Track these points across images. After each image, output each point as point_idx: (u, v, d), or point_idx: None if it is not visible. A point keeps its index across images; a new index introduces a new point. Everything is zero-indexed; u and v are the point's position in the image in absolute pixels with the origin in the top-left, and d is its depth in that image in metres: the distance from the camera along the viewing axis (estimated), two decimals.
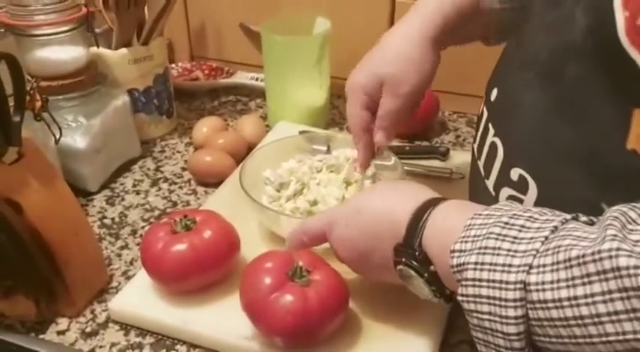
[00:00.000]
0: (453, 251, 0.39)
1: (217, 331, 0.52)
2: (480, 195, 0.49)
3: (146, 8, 0.78)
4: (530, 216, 0.37)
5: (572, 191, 0.40)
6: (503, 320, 0.36)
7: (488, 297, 0.36)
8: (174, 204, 0.71)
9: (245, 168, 0.64)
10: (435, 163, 0.74)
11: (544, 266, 0.34)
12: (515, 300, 0.35)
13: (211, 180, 0.74)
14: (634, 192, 0.36)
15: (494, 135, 0.47)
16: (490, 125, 0.48)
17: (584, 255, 0.32)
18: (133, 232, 0.67)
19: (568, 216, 0.37)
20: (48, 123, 0.63)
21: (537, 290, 0.34)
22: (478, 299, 0.37)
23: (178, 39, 1.00)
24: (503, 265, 0.36)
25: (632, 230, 0.32)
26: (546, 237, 0.35)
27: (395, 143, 0.78)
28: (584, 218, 0.37)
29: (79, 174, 0.70)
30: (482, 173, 0.49)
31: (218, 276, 0.55)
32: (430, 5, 0.56)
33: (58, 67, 0.69)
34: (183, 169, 0.77)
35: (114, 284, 0.60)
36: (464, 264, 0.38)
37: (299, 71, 0.81)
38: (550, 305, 0.34)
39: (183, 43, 1.00)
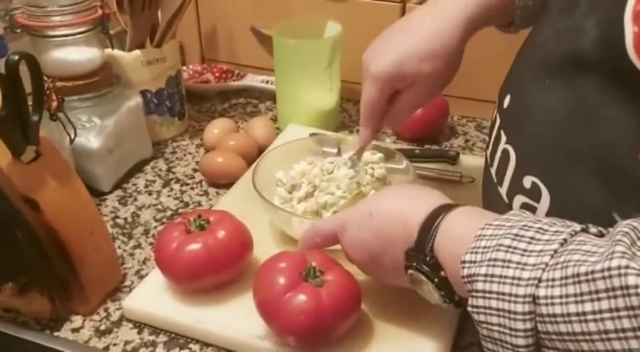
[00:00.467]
0: (464, 261, 0.39)
1: (230, 330, 0.52)
2: (493, 202, 0.49)
3: (159, 11, 0.79)
4: (540, 228, 0.38)
5: (585, 199, 0.40)
6: (513, 333, 0.36)
7: (498, 309, 0.37)
8: (186, 204, 0.72)
9: (257, 170, 0.64)
10: (445, 167, 0.75)
11: (553, 280, 0.35)
12: (524, 313, 0.35)
13: (222, 181, 0.74)
14: None
15: (507, 142, 0.47)
16: (502, 132, 0.49)
17: (592, 272, 0.33)
18: (146, 232, 0.67)
19: (577, 228, 0.37)
20: (63, 123, 0.64)
21: (546, 304, 0.34)
22: (488, 311, 0.37)
23: (189, 41, 1.00)
24: (513, 278, 0.36)
25: None
26: (556, 251, 0.36)
27: (405, 146, 0.79)
28: (593, 229, 0.38)
29: (92, 174, 0.71)
30: (495, 180, 0.49)
31: (231, 276, 0.55)
32: None
33: (73, 67, 0.70)
34: (195, 170, 0.78)
35: (127, 283, 0.60)
36: (474, 275, 0.38)
37: (310, 74, 0.82)
38: (559, 319, 0.34)
39: (194, 46, 1.01)
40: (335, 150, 0.72)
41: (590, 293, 0.33)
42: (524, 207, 0.44)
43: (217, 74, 0.99)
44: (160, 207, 0.72)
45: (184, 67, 0.99)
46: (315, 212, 0.63)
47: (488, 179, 0.51)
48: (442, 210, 0.44)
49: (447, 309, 0.52)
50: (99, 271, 0.56)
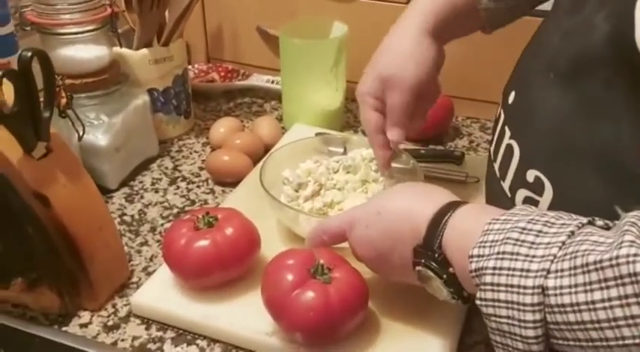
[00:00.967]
0: (472, 256, 0.40)
1: (237, 326, 0.53)
2: (496, 197, 0.50)
3: (167, 10, 0.79)
4: (547, 221, 0.38)
5: (587, 193, 0.41)
6: (522, 324, 0.36)
7: (507, 301, 0.37)
8: (193, 202, 0.72)
9: (264, 168, 0.65)
10: (450, 167, 0.75)
11: (562, 271, 0.35)
12: (533, 305, 0.36)
13: (229, 180, 0.75)
14: None
15: (511, 138, 0.48)
16: (507, 128, 0.49)
17: (601, 261, 0.33)
18: (153, 229, 0.68)
19: (584, 220, 0.38)
20: (72, 120, 0.64)
21: (555, 295, 0.35)
22: (497, 304, 0.38)
23: (195, 41, 1.01)
24: (522, 270, 0.36)
25: None
26: (563, 242, 0.36)
27: (410, 146, 0.79)
28: (599, 222, 0.38)
29: (99, 172, 0.71)
30: (498, 175, 0.50)
31: (239, 273, 0.56)
32: (423, 2, 0.59)
33: (82, 65, 0.70)
34: (201, 169, 0.78)
35: (134, 279, 0.61)
36: (482, 268, 0.39)
37: (316, 74, 0.82)
38: (568, 309, 0.34)
39: (200, 45, 1.02)
40: (341, 150, 0.72)
41: (599, 281, 0.33)
42: (527, 200, 0.45)
43: (223, 73, 1.00)
44: (166, 204, 0.72)
45: (190, 67, 0.99)
46: (321, 210, 0.63)
47: (491, 174, 0.52)
48: (450, 207, 0.44)
49: (453, 307, 0.52)
50: (107, 267, 0.57)
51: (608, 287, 0.33)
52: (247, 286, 0.56)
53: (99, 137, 0.70)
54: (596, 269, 0.33)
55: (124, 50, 0.77)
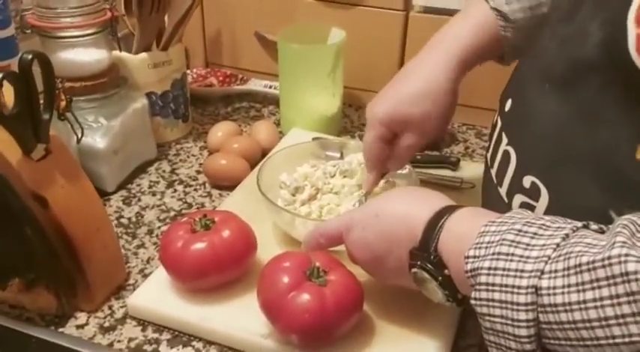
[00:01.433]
0: (467, 256, 0.40)
1: (233, 328, 0.53)
2: (493, 202, 0.51)
3: (166, 15, 0.80)
4: (543, 224, 0.39)
5: (583, 198, 0.41)
6: (515, 324, 0.37)
7: (501, 301, 0.38)
8: (190, 205, 0.73)
9: (262, 172, 0.65)
10: (446, 173, 0.76)
11: (555, 271, 0.36)
12: (526, 304, 0.36)
13: (226, 184, 0.75)
14: None
15: (508, 144, 0.49)
16: (504, 134, 0.50)
17: (594, 261, 0.34)
18: (150, 232, 0.68)
19: (579, 224, 0.38)
20: (71, 122, 0.64)
21: (548, 295, 0.36)
22: (491, 303, 0.38)
23: (194, 45, 1.02)
24: (516, 270, 0.37)
25: None
26: (558, 244, 0.37)
27: None
28: (594, 226, 0.39)
29: (97, 174, 0.71)
30: (495, 181, 0.50)
31: (235, 275, 0.56)
32: (457, 38, 0.58)
33: (82, 68, 0.71)
34: (198, 172, 0.79)
35: (131, 281, 0.61)
36: (477, 268, 0.39)
37: (314, 79, 0.83)
38: (560, 308, 0.35)
39: (198, 50, 1.02)
40: (338, 154, 0.73)
41: (591, 281, 0.34)
42: (524, 206, 0.45)
43: (221, 78, 1.00)
44: (163, 207, 0.72)
45: (189, 71, 1.00)
46: (321, 216, 0.63)
47: (488, 180, 0.52)
48: (446, 211, 0.45)
49: (447, 311, 0.53)
50: (105, 268, 0.57)
51: (600, 287, 0.33)
52: (243, 288, 0.56)
53: (97, 140, 0.71)
54: (589, 270, 0.34)
55: (124, 54, 0.78)
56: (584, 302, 0.34)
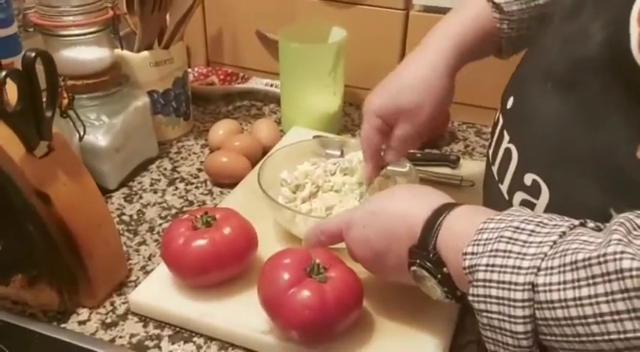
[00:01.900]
0: (465, 253, 0.41)
1: (234, 324, 0.54)
2: (494, 199, 0.51)
3: (168, 13, 0.80)
4: (540, 222, 0.39)
5: (583, 196, 0.41)
6: (512, 320, 0.37)
7: (498, 297, 0.38)
8: (191, 203, 0.73)
9: (262, 169, 0.66)
10: (446, 171, 0.76)
11: (552, 268, 0.36)
12: (523, 300, 0.37)
13: (227, 181, 0.76)
14: None
15: (509, 142, 0.49)
16: (505, 132, 0.50)
17: (589, 258, 0.34)
18: (151, 229, 0.69)
19: (576, 222, 0.39)
20: (73, 120, 0.65)
21: (545, 291, 0.36)
22: (488, 299, 0.39)
23: (195, 44, 1.02)
24: (513, 267, 0.37)
25: (637, 235, 0.34)
26: (555, 242, 0.37)
27: None
28: (591, 224, 0.39)
29: (99, 172, 0.72)
30: (496, 178, 0.50)
31: (236, 272, 0.57)
32: (450, 31, 0.58)
33: (84, 66, 0.71)
34: (199, 170, 0.79)
35: (132, 278, 0.61)
36: (475, 265, 0.40)
37: (314, 78, 0.83)
38: (556, 305, 0.35)
39: (200, 48, 1.03)
40: (338, 152, 0.73)
41: (587, 278, 0.34)
42: (524, 203, 0.46)
43: (222, 77, 1.01)
44: (164, 205, 0.73)
45: (190, 69, 1.00)
46: (318, 212, 0.64)
47: (489, 177, 0.53)
48: (445, 208, 0.45)
49: (447, 307, 0.53)
50: (106, 264, 0.57)
51: (595, 284, 0.34)
52: (244, 285, 0.57)
53: (99, 138, 0.71)
54: (585, 267, 0.34)
55: (125, 52, 0.78)
56: (580, 298, 0.34)
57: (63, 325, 0.56)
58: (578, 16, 0.43)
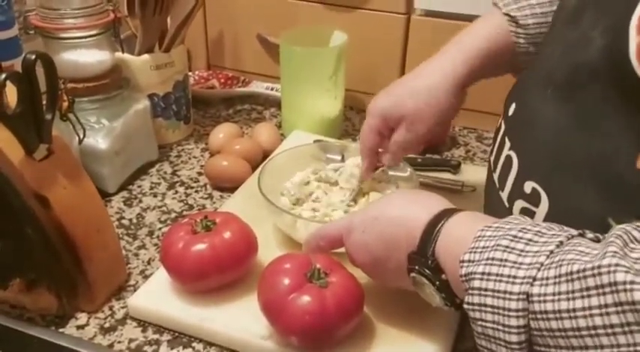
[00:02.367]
0: (462, 261, 0.40)
1: (233, 330, 0.53)
2: (494, 206, 0.51)
3: (169, 17, 0.80)
4: (539, 231, 0.39)
5: (582, 205, 0.41)
6: (506, 329, 0.37)
7: (493, 306, 0.38)
8: (191, 207, 0.73)
9: (263, 174, 0.66)
10: (447, 176, 0.76)
11: (547, 278, 0.36)
12: (517, 310, 0.36)
13: (227, 185, 0.75)
14: None
15: (510, 149, 0.49)
16: (507, 139, 0.50)
17: (584, 269, 0.34)
18: (150, 233, 0.68)
19: (574, 232, 0.38)
20: (73, 123, 0.65)
21: (539, 302, 0.35)
22: (483, 308, 0.38)
23: (196, 48, 1.02)
24: (509, 276, 0.37)
25: (633, 248, 0.34)
26: (551, 251, 0.37)
27: (408, 155, 0.80)
28: (590, 235, 0.39)
29: (98, 175, 0.72)
30: (497, 185, 0.50)
31: (236, 276, 0.56)
32: (465, 43, 0.58)
33: (84, 69, 0.71)
34: (199, 174, 0.79)
35: (131, 282, 0.61)
36: (471, 273, 0.39)
37: (315, 82, 0.83)
38: (550, 316, 0.35)
39: (200, 52, 1.03)
40: (339, 157, 0.73)
41: (581, 290, 0.34)
42: (524, 211, 0.45)
43: (223, 80, 1.01)
44: (164, 209, 0.73)
45: (190, 73, 1.00)
46: (318, 217, 0.64)
47: (490, 184, 0.52)
48: (444, 215, 0.45)
49: (447, 314, 0.53)
50: (105, 268, 0.57)
51: (589, 296, 0.33)
52: (244, 290, 0.56)
53: (99, 141, 0.71)
54: (579, 278, 0.34)
55: (126, 55, 0.78)
56: (574, 310, 0.34)
57: (61, 329, 0.55)
58: (579, 22, 0.43)
